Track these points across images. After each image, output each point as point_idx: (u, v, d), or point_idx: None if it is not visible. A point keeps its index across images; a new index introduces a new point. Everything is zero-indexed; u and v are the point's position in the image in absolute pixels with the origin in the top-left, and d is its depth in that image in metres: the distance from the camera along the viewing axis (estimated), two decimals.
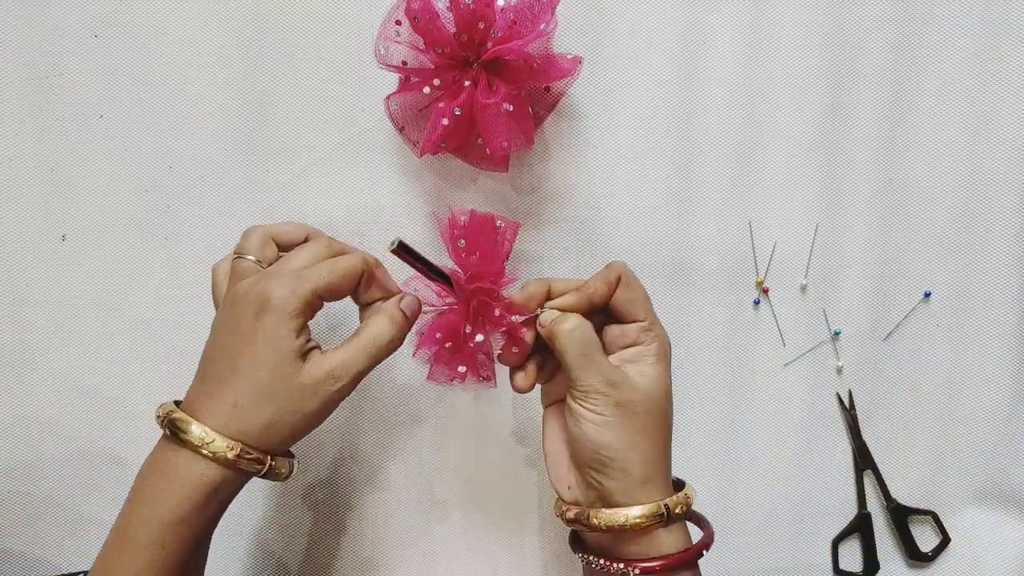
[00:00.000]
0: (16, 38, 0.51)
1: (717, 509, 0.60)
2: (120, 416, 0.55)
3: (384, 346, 0.43)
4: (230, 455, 0.40)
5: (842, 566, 0.61)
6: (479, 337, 0.47)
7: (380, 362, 0.44)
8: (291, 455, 0.44)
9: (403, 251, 0.45)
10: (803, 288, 0.59)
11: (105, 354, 0.54)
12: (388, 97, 0.50)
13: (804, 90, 0.57)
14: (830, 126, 0.58)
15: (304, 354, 0.41)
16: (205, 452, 0.39)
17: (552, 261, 0.56)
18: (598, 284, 0.46)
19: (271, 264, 0.45)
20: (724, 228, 0.58)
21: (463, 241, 0.47)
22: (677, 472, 0.60)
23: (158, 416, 0.42)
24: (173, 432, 0.40)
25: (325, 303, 0.43)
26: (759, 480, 0.60)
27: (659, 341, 0.45)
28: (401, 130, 0.52)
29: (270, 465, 0.41)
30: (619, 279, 0.46)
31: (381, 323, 0.44)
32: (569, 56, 0.50)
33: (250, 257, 0.45)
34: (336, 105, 0.54)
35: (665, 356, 0.45)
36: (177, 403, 0.42)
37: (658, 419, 0.44)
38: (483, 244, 0.48)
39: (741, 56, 0.56)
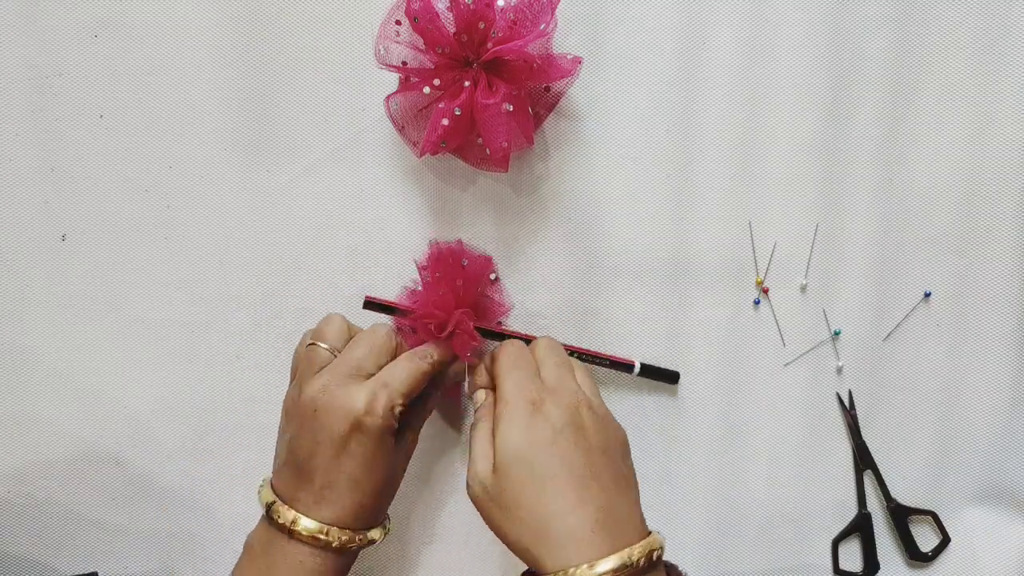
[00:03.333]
0: (16, 38, 0.51)
1: (717, 509, 0.60)
2: (120, 416, 0.55)
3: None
4: (340, 541, 0.43)
5: (842, 566, 0.61)
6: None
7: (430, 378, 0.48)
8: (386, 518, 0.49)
9: (372, 307, 0.51)
10: (803, 288, 0.59)
11: (105, 354, 0.54)
12: (388, 97, 0.50)
13: (804, 90, 0.57)
14: (830, 126, 0.58)
15: (395, 444, 0.46)
16: (335, 544, 0.43)
17: (551, 261, 0.56)
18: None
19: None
20: (724, 228, 0.58)
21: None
22: (679, 473, 0.60)
23: (281, 523, 0.43)
24: (294, 534, 0.43)
25: None
26: (759, 480, 0.60)
27: (500, 400, 0.43)
28: (401, 130, 0.52)
29: (366, 540, 0.46)
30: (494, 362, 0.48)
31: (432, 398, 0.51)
32: (569, 56, 0.50)
33: (324, 346, 0.47)
34: (336, 105, 0.54)
35: (506, 412, 0.42)
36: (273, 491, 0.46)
37: (506, 490, 0.40)
38: (445, 281, 0.51)
39: (741, 56, 0.56)
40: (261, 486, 0.46)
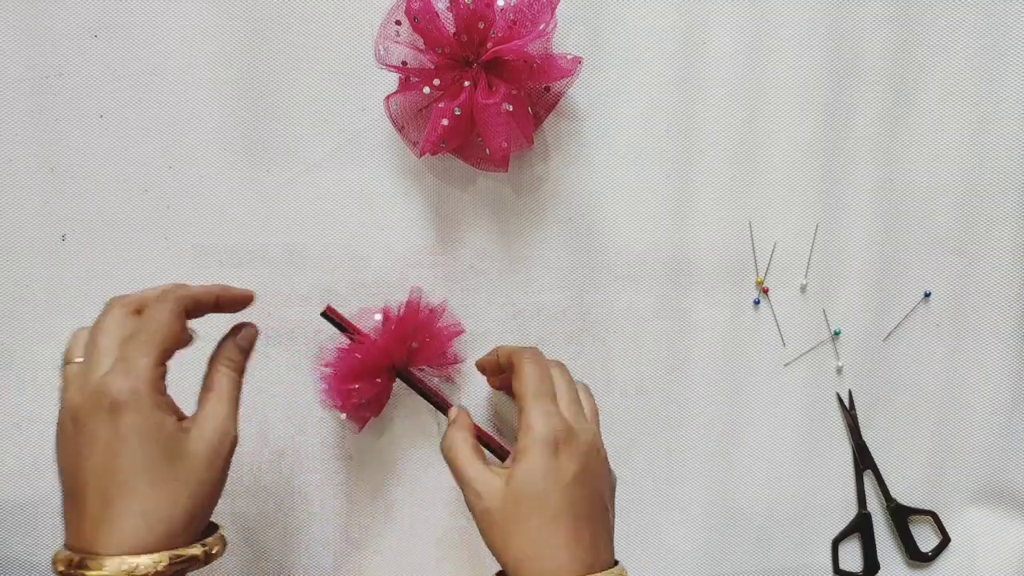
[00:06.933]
0: (16, 38, 0.51)
1: (717, 509, 0.60)
2: None
3: (239, 389, 0.44)
4: (161, 567, 0.36)
5: (842, 566, 0.61)
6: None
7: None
8: (215, 528, 0.42)
9: (329, 318, 0.50)
10: (803, 288, 0.59)
11: None
12: (388, 97, 0.50)
13: (804, 90, 0.57)
14: (830, 126, 0.58)
15: (179, 429, 0.39)
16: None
17: (552, 262, 0.56)
18: (488, 369, 0.53)
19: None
20: (724, 228, 0.58)
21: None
22: (676, 473, 0.60)
23: (59, 571, 0.36)
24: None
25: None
26: (759, 480, 0.60)
27: (528, 433, 0.43)
28: (401, 130, 0.52)
29: (207, 553, 0.39)
30: (512, 365, 0.47)
31: (224, 376, 0.43)
32: (569, 56, 0.50)
33: (78, 359, 0.40)
34: (336, 105, 0.54)
35: (532, 448, 0.43)
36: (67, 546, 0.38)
37: (514, 518, 0.42)
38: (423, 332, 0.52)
39: (741, 56, 0.56)
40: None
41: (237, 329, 0.46)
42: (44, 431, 0.54)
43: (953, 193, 0.59)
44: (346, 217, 0.55)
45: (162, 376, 0.40)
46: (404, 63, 0.49)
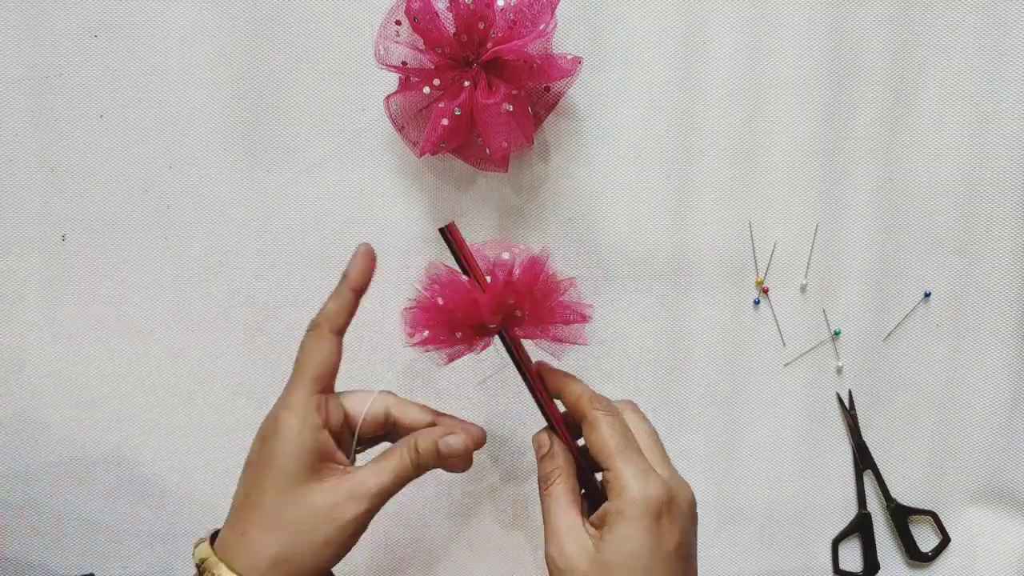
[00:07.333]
0: (16, 38, 0.52)
1: (717, 509, 0.60)
2: (119, 417, 0.55)
3: (406, 474, 0.41)
4: None
5: (842, 566, 0.61)
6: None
7: (404, 485, 0.41)
8: None
9: (449, 234, 0.42)
10: (803, 288, 0.59)
11: (105, 354, 0.54)
12: (388, 97, 0.50)
13: (804, 90, 0.57)
14: (830, 126, 0.58)
15: (318, 471, 0.39)
16: None
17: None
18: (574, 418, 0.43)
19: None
20: (724, 228, 0.58)
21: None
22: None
23: (193, 553, 0.40)
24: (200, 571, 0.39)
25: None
26: (759, 480, 0.60)
27: (621, 495, 0.38)
28: (401, 130, 0.52)
29: None
30: (581, 416, 0.42)
31: (403, 451, 0.42)
32: (569, 56, 0.50)
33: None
34: (336, 105, 0.54)
35: (630, 515, 0.38)
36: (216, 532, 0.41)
37: None
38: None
39: (741, 56, 0.56)
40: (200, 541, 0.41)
41: (449, 430, 0.42)
42: (44, 431, 0.55)
43: (953, 193, 0.59)
44: (346, 217, 0.55)
45: (317, 406, 0.40)
46: (404, 63, 0.49)
